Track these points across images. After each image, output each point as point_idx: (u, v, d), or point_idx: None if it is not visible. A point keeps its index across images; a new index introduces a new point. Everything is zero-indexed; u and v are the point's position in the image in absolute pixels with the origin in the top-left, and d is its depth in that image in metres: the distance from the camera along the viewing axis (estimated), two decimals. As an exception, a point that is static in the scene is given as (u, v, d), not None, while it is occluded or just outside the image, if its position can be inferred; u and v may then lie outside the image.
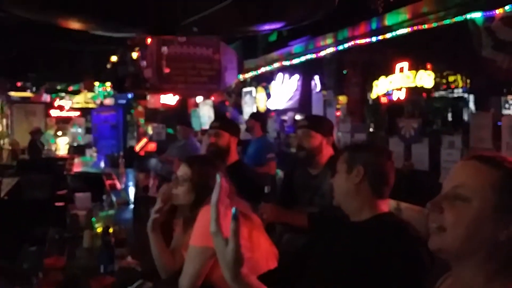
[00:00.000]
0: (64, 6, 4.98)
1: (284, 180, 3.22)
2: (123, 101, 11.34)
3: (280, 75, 8.20)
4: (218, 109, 9.61)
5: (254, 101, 9.04)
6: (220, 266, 1.16)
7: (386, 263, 1.50)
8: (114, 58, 6.28)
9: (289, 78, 7.98)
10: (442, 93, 5.17)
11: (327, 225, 1.86)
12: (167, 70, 4.88)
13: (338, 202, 1.71)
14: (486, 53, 4.05)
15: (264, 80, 8.76)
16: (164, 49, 4.94)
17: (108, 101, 11.69)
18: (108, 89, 11.48)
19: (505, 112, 4.25)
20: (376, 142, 5.44)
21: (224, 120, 3.67)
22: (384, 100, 5.66)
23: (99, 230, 2.78)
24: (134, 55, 5.22)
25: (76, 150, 10.36)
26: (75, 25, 5.67)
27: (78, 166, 7.18)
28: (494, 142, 4.07)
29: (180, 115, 9.64)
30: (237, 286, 1.15)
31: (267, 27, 6.18)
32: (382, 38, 5.17)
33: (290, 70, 7.78)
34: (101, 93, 11.60)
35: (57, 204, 4.45)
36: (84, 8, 4.96)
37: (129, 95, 10.62)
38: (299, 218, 2.59)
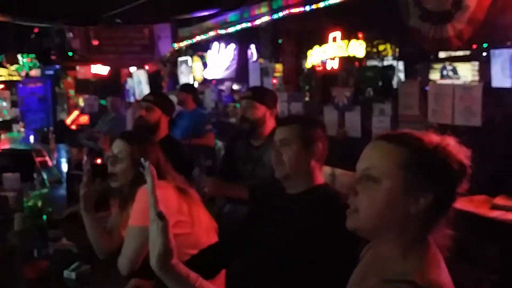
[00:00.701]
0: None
1: (225, 152, 3.22)
2: (51, 72, 10.73)
3: (216, 44, 8.07)
4: (153, 80, 9.36)
5: (191, 70, 8.86)
6: (150, 253, 1.15)
7: (324, 234, 1.56)
8: (38, 29, 5.87)
9: (225, 47, 7.88)
10: (373, 62, 5.31)
11: (267, 197, 1.90)
12: (95, 42, 4.66)
13: (288, 174, 1.73)
14: (413, 22, 4.18)
15: (200, 49, 8.57)
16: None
17: (34, 73, 10.98)
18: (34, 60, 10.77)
19: (431, 77, 4.44)
20: (312, 111, 5.56)
21: (159, 96, 3.57)
22: (318, 69, 5.74)
23: (31, 211, 2.66)
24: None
25: (2, 125, 9.73)
26: None
27: (5, 143, 6.78)
28: (420, 109, 4.28)
29: (113, 86, 9.30)
30: (164, 276, 1.15)
31: (198, 14, 5.98)
32: (316, 7, 5.19)
33: (226, 39, 7.67)
34: (26, 64, 10.87)
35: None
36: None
37: (57, 66, 10.05)
38: (241, 191, 2.62)
